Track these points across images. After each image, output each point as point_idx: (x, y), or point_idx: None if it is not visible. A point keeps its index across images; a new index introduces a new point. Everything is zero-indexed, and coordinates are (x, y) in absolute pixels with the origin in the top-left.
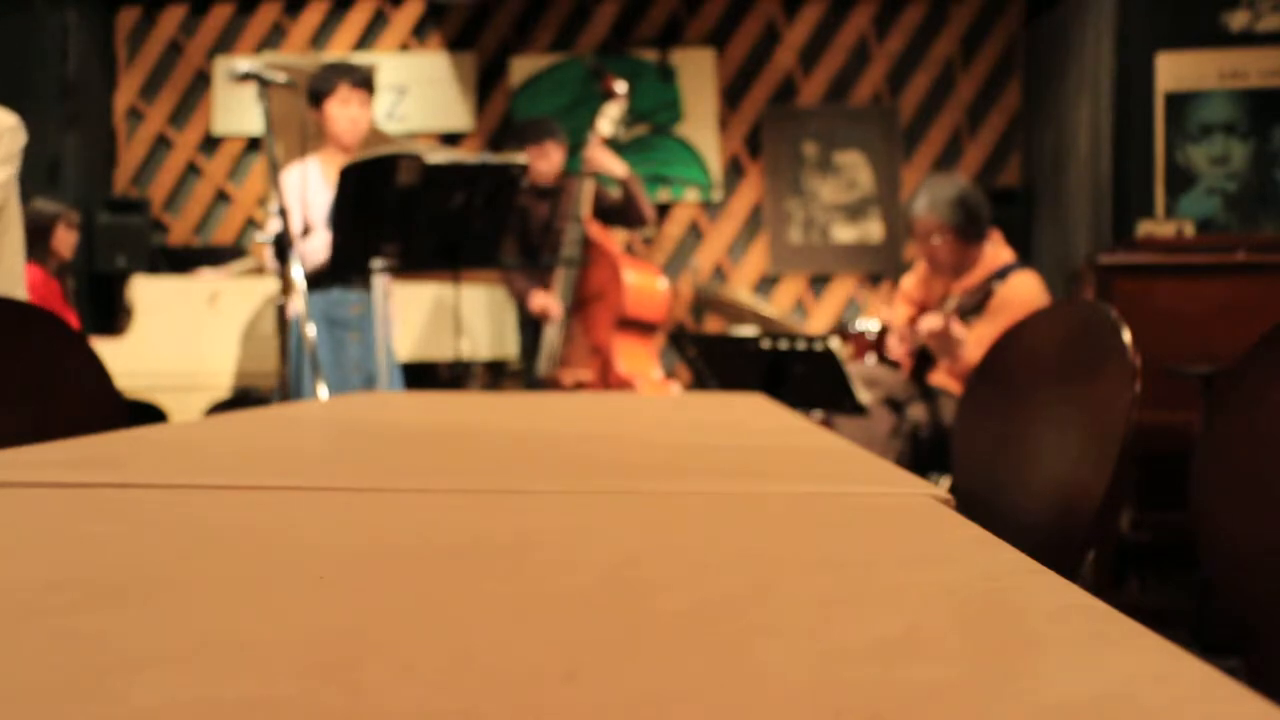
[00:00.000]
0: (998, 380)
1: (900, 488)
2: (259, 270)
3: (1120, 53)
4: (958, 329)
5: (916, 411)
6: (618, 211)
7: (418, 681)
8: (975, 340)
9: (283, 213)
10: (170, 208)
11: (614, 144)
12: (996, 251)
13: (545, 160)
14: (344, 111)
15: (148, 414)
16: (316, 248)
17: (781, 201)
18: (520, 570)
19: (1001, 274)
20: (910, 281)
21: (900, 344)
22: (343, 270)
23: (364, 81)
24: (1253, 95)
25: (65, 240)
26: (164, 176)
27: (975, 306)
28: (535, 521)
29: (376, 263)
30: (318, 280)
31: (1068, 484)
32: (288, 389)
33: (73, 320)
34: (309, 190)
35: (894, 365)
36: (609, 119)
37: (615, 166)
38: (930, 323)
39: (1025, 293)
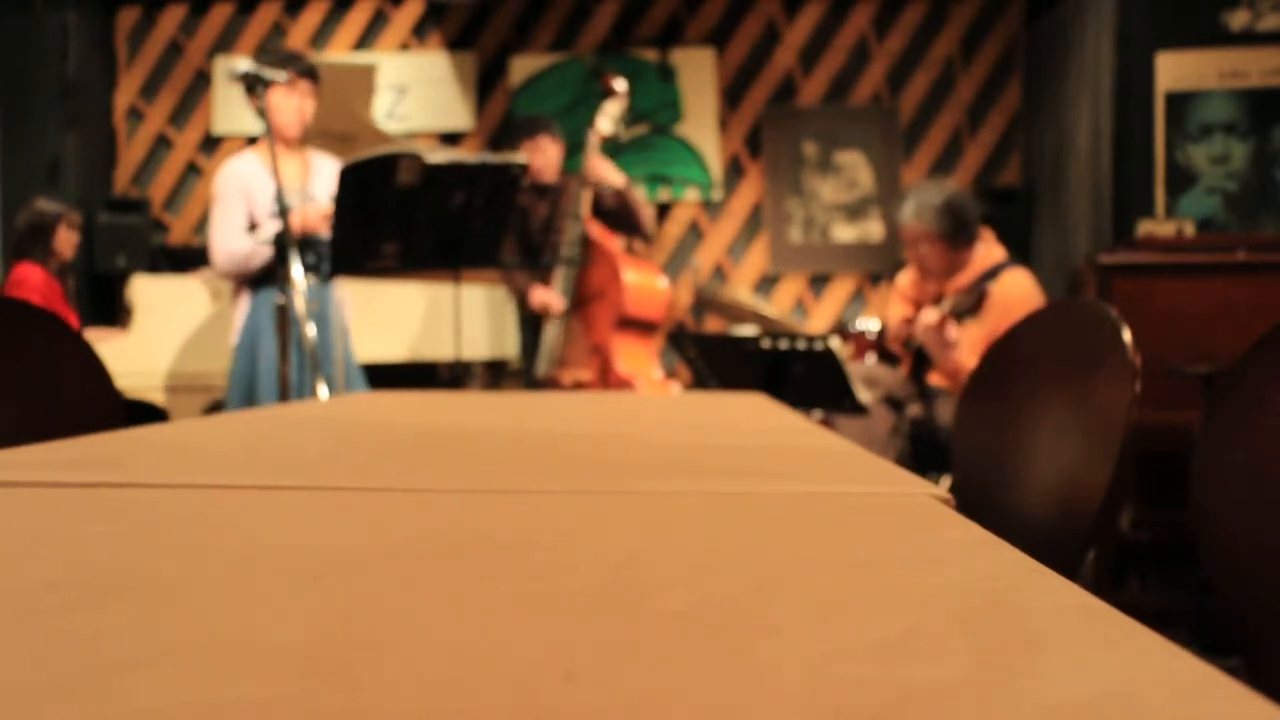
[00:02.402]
0: (998, 379)
1: (900, 488)
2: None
3: (1120, 53)
4: (952, 331)
5: (916, 411)
6: (615, 216)
7: (417, 681)
8: (969, 343)
9: (282, 212)
10: (170, 208)
11: (614, 143)
12: (988, 250)
13: (541, 155)
14: (287, 102)
15: (148, 414)
16: (260, 246)
17: (781, 201)
18: (520, 570)
19: (992, 274)
20: (905, 279)
21: (898, 334)
22: (341, 269)
23: (308, 71)
24: (1253, 95)
25: (67, 240)
26: (164, 176)
27: (970, 309)
28: (535, 521)
29: (375, 264)
30: (271, 277)
31: (1068, 483)
32: (287, 388)
33: (73, 320)
34: (253, 186)
35: (894, 362)
36: (609, 117)
37: (613, 177)
38: (927, 317)
39: (1016, 291)
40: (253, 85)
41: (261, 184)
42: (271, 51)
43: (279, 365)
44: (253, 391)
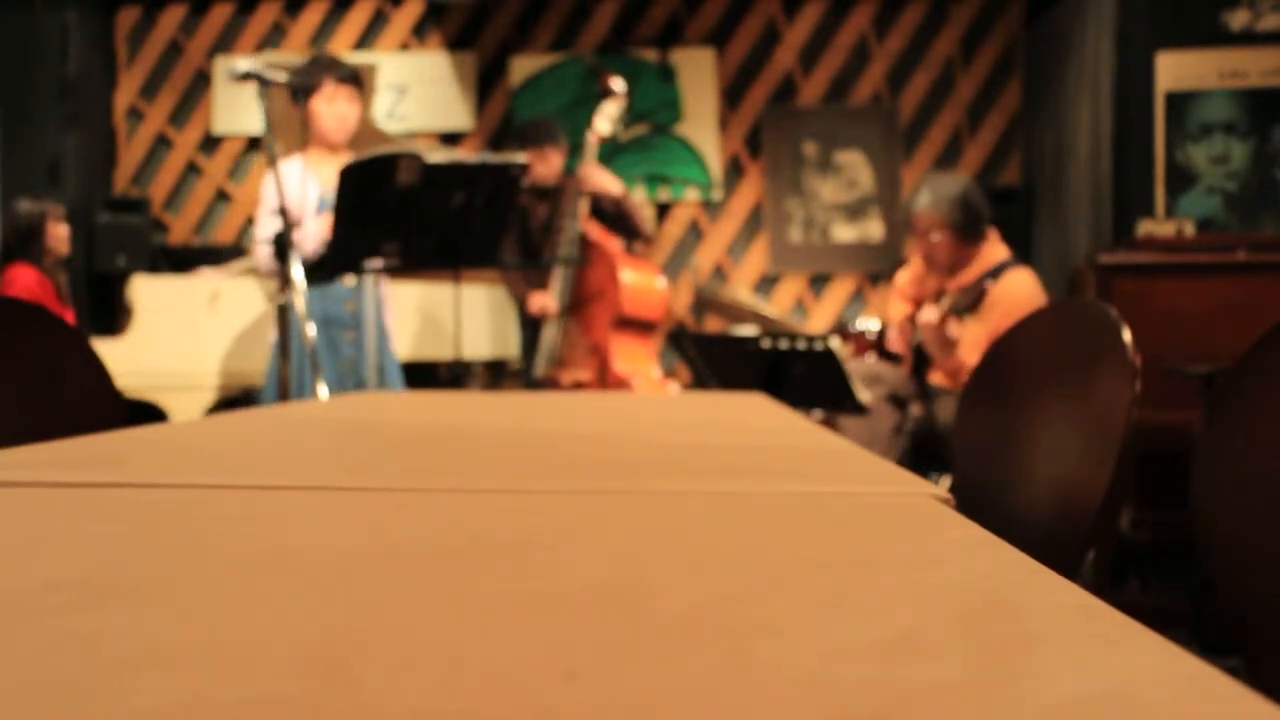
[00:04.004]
0: (998, 379)
1: (900, 488)
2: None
3: (1120, 53)
4: (953, 328)
5: (919, 410)
6: (613, 220)
7: (417, 681)
8: (970, 340)
9: (282, 211)
10: (170, 207)
11: (613, 143)
12: (992, 250)
13: (544, 164)
14: (330, 108)
15: (148, 414)
16: (300, 239)
17: (781, 201)
18: (520, 570)
19: (995, 272)
20: (904, 277)
21: (899, 338)
22: (341, 269)
23: (350, 77)
24: (1253, 95)
25: (58, 235)
26: (164, 176)
27: (970, 305)
28: (535, 521)
29: (374, 264)
30: (310, 275)
31: (1068, 484)
32: (287, 388)
33: (69, 318)
34: (296, 190)
35: (896, 360)
36: (607, 118)
37: (610, 185)
38: (927, 315)
39: (1018, 291)
40: (301, 93)
41: (298, 184)
42: (317, 59)
43: (301, 365)
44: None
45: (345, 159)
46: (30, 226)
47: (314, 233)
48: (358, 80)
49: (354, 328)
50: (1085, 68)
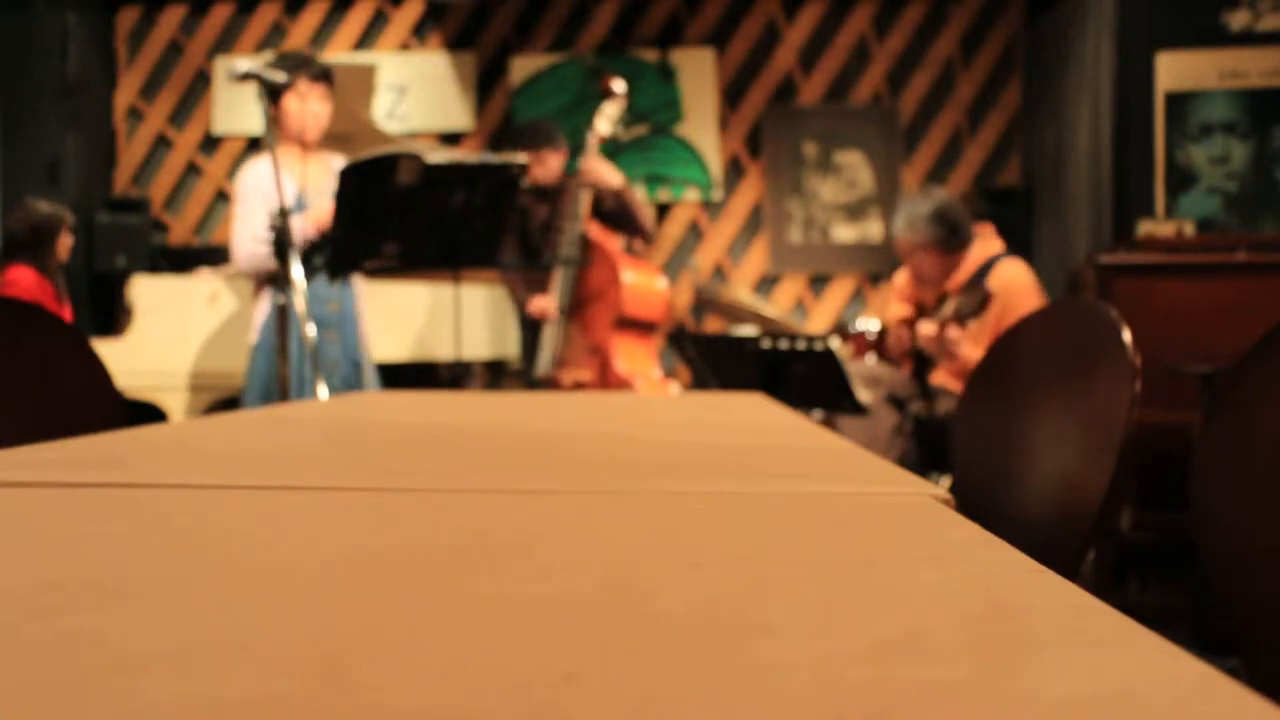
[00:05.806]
0: (998, 379)
1: (900, 488)
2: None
3: (1120, 53)
4: (954, 333)
5: (919, 410)
6: (615, 217)
7: (417, 681)
8: (971, 337)
9: (282, 212)
10: (170, 208)
11: (613, 143)
12: (985, 246)
13: (542, 167)
14: (303, 107)
15: (148, 414)
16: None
17: (781, 201)
18: (520, 570)
19: (987, 267)
20: (903, 279)
21: (898, 344)
22: (341, 269)
23: (323, 74)
24: (1253, 95)
25: (65, 243)
26: (164, 176)
27: (974, 311)
28: (535, 521)
29: (374, 264)
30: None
31: (1068, 483)
32: (286, 388)
33: (66, 319)
34: (273, 187)
35: (895, 362)
36: (607, 118)
37: (610, 178)
38: (926, 329)
39: (1013, 281)
40: (271, 90)
41: (282, 185)
42: (287, 55)
43: (289, 365)
44: (270, 391)
45: (319, 158)
46: (44, 229)
47: (299, 231)
48: (329, 78)
49: (336, 328)
50: (1085, 68)
